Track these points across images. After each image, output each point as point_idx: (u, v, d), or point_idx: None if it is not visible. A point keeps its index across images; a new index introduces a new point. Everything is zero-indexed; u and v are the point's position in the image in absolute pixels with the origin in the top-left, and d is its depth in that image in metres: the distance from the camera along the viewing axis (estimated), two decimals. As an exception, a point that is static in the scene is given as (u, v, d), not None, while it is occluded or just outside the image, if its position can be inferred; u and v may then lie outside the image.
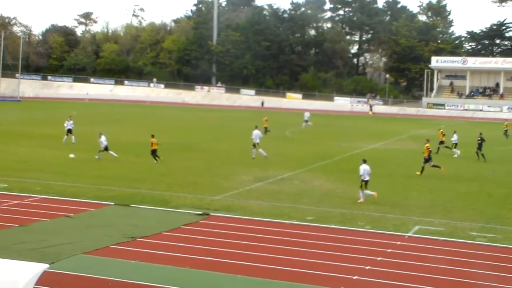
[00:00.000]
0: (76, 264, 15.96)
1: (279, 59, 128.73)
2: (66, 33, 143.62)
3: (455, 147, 44.13)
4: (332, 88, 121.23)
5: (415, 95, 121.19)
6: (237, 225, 21.29)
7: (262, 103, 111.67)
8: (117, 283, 14.83)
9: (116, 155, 35.98)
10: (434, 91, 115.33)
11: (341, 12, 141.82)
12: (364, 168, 25.80)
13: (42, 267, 10.02)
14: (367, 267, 16.85)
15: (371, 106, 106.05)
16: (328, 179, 32.11)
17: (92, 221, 20.96)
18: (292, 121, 74.35)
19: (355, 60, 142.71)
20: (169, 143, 43.22)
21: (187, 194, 26.46)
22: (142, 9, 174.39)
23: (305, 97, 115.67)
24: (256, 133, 39.17)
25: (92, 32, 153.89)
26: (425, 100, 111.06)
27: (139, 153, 37.43)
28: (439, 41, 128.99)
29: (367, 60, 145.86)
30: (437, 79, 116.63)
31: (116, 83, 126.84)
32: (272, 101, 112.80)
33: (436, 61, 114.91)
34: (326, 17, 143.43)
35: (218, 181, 30.29)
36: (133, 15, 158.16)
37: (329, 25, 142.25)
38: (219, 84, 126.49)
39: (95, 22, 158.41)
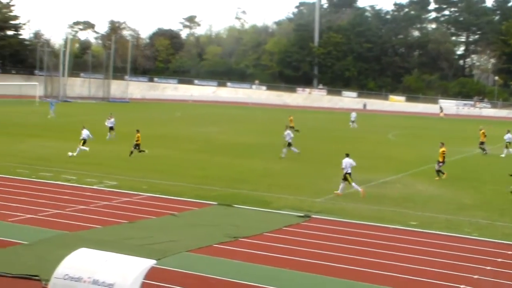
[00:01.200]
0: (180, 262, 16.39)
1: (381, 61, 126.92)
2: (171, 36, 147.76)
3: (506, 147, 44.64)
4: (437, 90, 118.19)
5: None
6: (338, 228, 21.18)
7: (364, 105, 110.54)
8: (220, 281, 15.11)
9: (86, 148, 36.54)
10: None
11: (446, 12, 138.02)
12: (346, 161, 26.89)
13: (150, 262, 10.35)
14: (475, 276, 16.28)
15: (441, 108, 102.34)
16: (432, 183, 31.37)
17: (196, 220, 21.46)
18: (395, 123, 73.17)
19: (461, 62, 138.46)
20: (270, 144, 43.61)
21: (288, 195, 26.57)
22: (244, 12, 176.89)
23: (408, 99, 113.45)
24: (287, 133, 39.57)
25: (196, 35, 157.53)
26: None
27: (240, 154, 37.93)
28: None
29: (474, 61, 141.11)
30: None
31: (219, 85, 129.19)
32: (374, 104, 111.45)
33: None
34: (431, 17, 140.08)
35: (319, 183, 30.23)
36: (236, 17, 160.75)
37: (433, 26, 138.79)
38: (320, 86, 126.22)
39: (199, 25, 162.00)
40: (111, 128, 45.81)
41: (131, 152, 36.01)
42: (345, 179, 26.98)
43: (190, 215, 22.15)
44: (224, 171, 32.56)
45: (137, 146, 36.45)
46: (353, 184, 26.85)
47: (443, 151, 33.10)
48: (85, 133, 36.86)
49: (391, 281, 15.57)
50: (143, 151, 36.46)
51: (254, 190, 27.41)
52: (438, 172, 32.72)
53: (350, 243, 19.14)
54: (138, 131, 36.97)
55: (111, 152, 38.05)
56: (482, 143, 45.13)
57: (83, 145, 36.33)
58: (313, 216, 22.72)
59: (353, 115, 67.72)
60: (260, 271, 16.00)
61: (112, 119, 45.99)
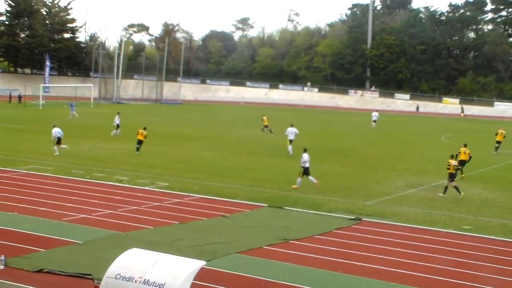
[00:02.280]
0: (231, 263, 16.48)
1: (435, 63, 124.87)
2: (224, 38, 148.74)
3: None
4: (492, 93, 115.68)
5: None
6: (390, 231, 20.97)
7: (417, 108, 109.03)
8: (270, 283, 15.13)
9: (66, 146, 36.70)
10: None
11: (503, 13, 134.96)
12: (304, 156, 28.48)
13: (200, 263, 10.44)
14: (529, 283, 15.94)
15: (462, 108, 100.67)
16: (486, 187, 30.75)
17: (246, 221, 21.54)
18: (448, 126, 71.98)
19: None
20: (322, 146, 43.43)
21: (339, 198, 26.44)
22: (297, 14, 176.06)
23: (462, 102, 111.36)
24: (290, 130, 39.74)
25: (248, 37, 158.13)
26: None
27: (291, 156, 37.85)
28: None
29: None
30: None
31: (271, 87, 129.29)
32: (427, 106, 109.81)
33: None
34: (487, 18, 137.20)
35: (371, 186, 29.98)
36: (288, 19, 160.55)
37: (490, 27, 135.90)
38: (372, 88, 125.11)
39: (252, 27, 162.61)
40: (117, 126, 46.79)
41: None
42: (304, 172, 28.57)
43: (241, 217, 22.25)
44: (276, 173, 32.58)
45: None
46: (310, 178, 28.33)
47: (464, 151, 33.33)
48: (55, 131, 36.84)
49: (440, 286, 15.33)
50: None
51: (305, 192, 27.34)
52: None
53: (401, 247, 18.92)
54: (144, 128, 37.78)
55: (164, 154, 38.50)
56: (498, 142, 45.43)
57: (57, 144, 36.48)
58: (364, 219, 22.55)
59: (375, 114, 68.80)
60: (310, 274, 15.96)
61: (118, 117, 47.22)
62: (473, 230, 21.50)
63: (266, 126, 52.22)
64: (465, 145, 34.01)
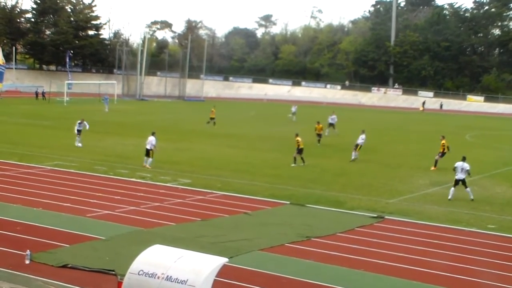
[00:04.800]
0: (252, 260, 16.50)
1: (459, 60, 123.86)
2: (247, 35, 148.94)
3: None
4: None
5: None
6: (412, 229, 20.86)
7: (441, 106, 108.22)
8: (291, 281, 15.14)
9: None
10: None
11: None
12: (150, 138, 30.94)
13: (222, 260, 10.47)
14: (553, 283, 15.77)
15: (423, 103, 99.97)
16: (511, 186, 30.45)
17: (268, 219, 21.55)
18: (472, 124, 71.37)
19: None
20: (344, 143, 43.32)
21: (361, 196, 26.35)
22: (320, 11, 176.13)
23: (487, 99, 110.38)
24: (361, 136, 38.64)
25: (271, 34, 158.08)
26: None
27: (314, 154, 37.79)
28: None
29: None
30: None
31: (293, 84, 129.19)
32: (451, 104, 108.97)
33: None
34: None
35: (394, 184, 29.84)
36: (311, 16, 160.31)
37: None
38: (396, 86, 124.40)
39: (275, 24, 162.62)
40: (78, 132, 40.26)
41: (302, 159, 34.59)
42: (147, 154, 30.92)
43: (263, 214, 22.26)
44: (298, 170, 32.54)
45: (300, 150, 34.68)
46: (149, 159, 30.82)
47: (443, 144, 35.14)
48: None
49: (464, 285, 15.23)
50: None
51: (328, 190, 27.31)
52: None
53: (424, 245, 18.82)
54: (297, 135, 35.09)
55: (186, 151, 38.67)
56: None
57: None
58: (387, 217, 22.46)
59: (294, 108, 68.44)
60: (332, 271, 15.94)
61: (84, 123, 40.52)
62: (497, 229, 21.32)
63: (212, 119, 54.16)
64: (443, 137, 36.17)
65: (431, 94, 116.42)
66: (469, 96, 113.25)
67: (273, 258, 16.89)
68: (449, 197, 26.01)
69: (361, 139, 38.00)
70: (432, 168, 34.82)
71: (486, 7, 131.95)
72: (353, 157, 37.16)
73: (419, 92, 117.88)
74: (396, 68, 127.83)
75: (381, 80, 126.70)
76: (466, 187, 26.17)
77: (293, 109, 67.85)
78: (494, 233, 20.80)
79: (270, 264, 16.28)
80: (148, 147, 31.32)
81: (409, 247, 18.61)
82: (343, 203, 24.65)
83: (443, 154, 35.54)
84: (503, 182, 31.44)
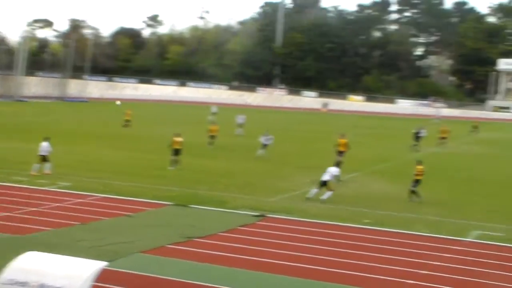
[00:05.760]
0: (133, 263, 16.24)
1: (342, 61, 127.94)
2: (133, 35, 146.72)
3: None
4: (395, 90, 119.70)
5: (480, 98, 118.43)
6: (293, 227, 21.27)
7: (325, 105, 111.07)
8: (173, 282, 15.01)
9: None
10: (501, 94, 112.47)
11: (407, 14, 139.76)
12: (43, 145, 29.51)
13: (100, 264, 10.24)
14: (424, 272, 16.60)
15: (324, 104, 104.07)
16: (387, 182, 31.76)
17: (151, 220, 21.32)
18: (354, 123, 73.78)
19: (419, 62, 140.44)
20: (227, 144, 43.61)
21: (244, 195, 26.59)
22: (208, 11, 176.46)
23: (367, 99, 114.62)
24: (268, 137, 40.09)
25: (158, 34, 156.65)
26: (490, 103, 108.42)
27: (198, 154, 37.80)
28: (507, 43, 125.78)
29: (432, 62, 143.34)
30: (504, 82, 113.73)
31: (180, 84, 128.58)
32: (334, 103, 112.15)
33: (504, 64, 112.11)
34: (392, 19, 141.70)
35: (276, 182, 30.34)
36: (199, 17, 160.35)
37: (394, 27, 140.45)
38: (281, 86, 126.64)
39: (162, 24, 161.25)
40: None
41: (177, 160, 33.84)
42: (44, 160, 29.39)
43: (145, 216, 21.99)
44: (182, 171, 32.37)
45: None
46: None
47: (343, 142, 36.02)
48: None
49: (342, 279, 15.70)
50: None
51: (211, 190, 27.37)
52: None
53: (304, 242, 19.23)
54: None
55: (67, 153, 37.57)
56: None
57: None
58: (269, 215, 22.78)
59: (241, 118, 61.33)
60: (213, 271, 15.95)
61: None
62: (373, 223, 22.15)
63: (127, 121, 54.62)
64: (343, 136, 37.28)
65: (314, 94, 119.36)
66: (351, 96, 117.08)
67: (154, 260, 16.70)
68: (308, 195, 26.15)
69: (266, 139, 38.95)
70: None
71: (369, 11, 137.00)
72: (258, 152, 38.45)
73: (303, 92, 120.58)
74: (282, 69, 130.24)
75: (267, 81, 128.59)
76: (326, 189, 26.24)
77: (240, 120, 58.73)
78: (370, 227, 21.62)
79: (150, 266, 16.09)
80: (43, 153, 29.76)
81: (290, 244, 18.94)
82: (226, 202, 24.77)
83: (341, 152, 35.65)
84: (380, 178, 32.72)
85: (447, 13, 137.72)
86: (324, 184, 25.94)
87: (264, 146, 39.73)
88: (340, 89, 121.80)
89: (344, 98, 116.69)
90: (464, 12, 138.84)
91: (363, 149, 47.29)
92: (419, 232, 21.13)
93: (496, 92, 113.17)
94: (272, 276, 15.81)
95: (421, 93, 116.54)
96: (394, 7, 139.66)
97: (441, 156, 44.66)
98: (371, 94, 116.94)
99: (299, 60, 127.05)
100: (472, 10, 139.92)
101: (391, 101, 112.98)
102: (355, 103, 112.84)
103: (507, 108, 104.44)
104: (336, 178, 26.56)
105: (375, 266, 16.94)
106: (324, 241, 19.40)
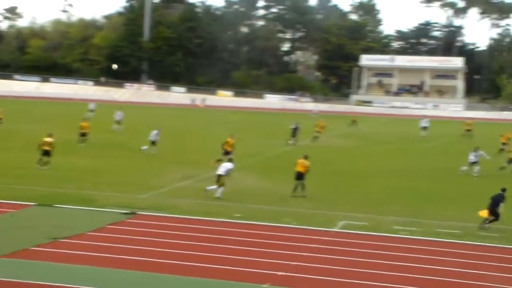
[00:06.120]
0: (-8, 268, 15.33)
1: (210, 57, 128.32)
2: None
3: None
4: (263, 85, 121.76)
5: (344, 93, 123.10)
6: (164, 223, 21.02)
7: (193, 101, 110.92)
8: (37, 286, 14.30)
9: None
10: (363, 88, 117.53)
11: (274, 10, 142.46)
12: None
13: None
14: (294, 263, 16.91)
15: (202, 100, 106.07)
16: (258, 176, 32.14)
17: (12, 222, 20.24)
18: (223, 118, 74.24)
19: (286, 58, 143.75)
20: (102, 141, 42.53)
21: (114, 193, 25.97)
22: (71, 5, 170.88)
23: (236, 94, 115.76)
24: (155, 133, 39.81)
25: (17, 27, 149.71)
26: (354, 97, 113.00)
27: (67, 152, 36.46)
28: (368, 40, 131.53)
29: (298, 57, 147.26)
30: (366, 77, 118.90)
31: (43, 80, 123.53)
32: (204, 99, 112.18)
33: (366, 59, 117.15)
34: (259, 15, 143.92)
35: (147, 179, 29.88)
36: (62, 10, 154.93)
37: (262, 22, 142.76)
38: (149, 82, 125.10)
39: (21, 17, 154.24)
40: None
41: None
42: None
43: (6, 218, 20.87)
44: (48, 170, 30.98)
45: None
46: None
47: (231, 142, 35.74)
48: None
49: (215, 273, 15.65)
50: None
51: (79, 188, 26.50)
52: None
53: (175, 238, 19.05)
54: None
55: None
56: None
57: None
58: (139, 212, 22.37)
59: (118, 115, 56.44)
60: (79, 272, 15.37)
61: None
62: (243, 217, 22.32)
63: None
64: (231, 136, 36.56)
65: (183, 89, 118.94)
66: (220, 91, 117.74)
67: (16, 264, 15.83)
68: (208, 187, 26.20)
69: (154, 135, 38.93)
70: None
71: (236, 6, 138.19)
72: (143, 148, 38.41)
73: (172, 87, 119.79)
74: (150, 64, 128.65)
75: (135, 76, 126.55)
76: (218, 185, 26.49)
77: (118, 116, 53.91)
78: (240, 221, 21.76)
79: (12, 271, 15.21)
80: None
81: (160, 240, 18.68)
82: (94, 201, 24.07)
83: (228, 152, 34.89)
84: (250, 172, 33.03)
85: (312, 10, 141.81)
86: (218, 178, 25.94)
87: (153, 142, 39.04)
88: (209, 84, 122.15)
89: (213, 93, 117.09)
90: (328, 9, 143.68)
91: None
92: (289, 225, 21.55)
93: (359, 86, 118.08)
94: (140, 274, 15.47)
95: (289, 88, 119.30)
96: (261, 3, 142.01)
97: (311, 150, 45.80)
98: (240, 89, 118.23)
99: (168, 55, 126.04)
100: (335, 7, 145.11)
101: (259, 96, 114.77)
102: (224, 98, 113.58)
103: (369, 102, 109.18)
104: (229, 172, 26.54)
105: (246, 260, 17.05)
106: (194, 237, 19.28)
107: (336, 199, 26.39)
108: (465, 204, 26.53)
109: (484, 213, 21.92)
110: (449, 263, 17.60)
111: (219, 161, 30.05)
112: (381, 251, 18.59)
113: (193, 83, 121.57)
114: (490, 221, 21.76)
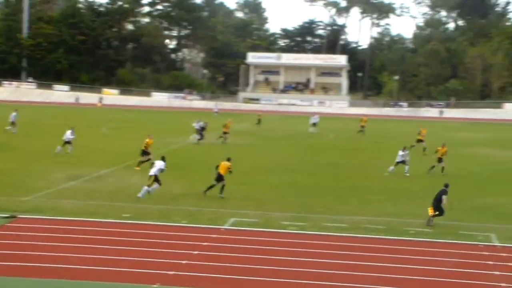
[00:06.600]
0: None
1: (95, 54, 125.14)
2: None
3: None
4: (150, 83, 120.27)
5: (231, 90, 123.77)
6: (47, 226, 20.26)
7: (77, 99, 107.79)
8: None
9: None
10: (250, 86, 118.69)
11: (159, 7, 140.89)
12: None
13: None
14: (184, 262, 16.77)
15: (100, 98, 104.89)
16: (145, 175, 31.44)
17: None
18: (109, 117, 72.72)
19: (173, 56, 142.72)
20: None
21: (-6, 196, 24.74)
22: None
23: (122, 92, 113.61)
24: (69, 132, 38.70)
25: None
26: (241, 95, 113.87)
27: None
28: (255, 38, 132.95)
29: (185, 55, 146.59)
30: (253, 75, 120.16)
31: None
32: (87, 97, 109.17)
33: (252, 57, 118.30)
34: (144, 11, 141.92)
35: (29, 180, 28.69)
36: None
37: (147, 20, 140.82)
38: (29, 80, 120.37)
39: None
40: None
41: None
42: None
43: None
44: None
45: None
46: None
47: (150, 143, 34.70)
48: None
49: (103, 275, 15.26)
50: None
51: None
52: (141, 162, 33.48)
53: (59, 241, 18.40)
54: None
55: None
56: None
57: None
58: (20, 216, 21.40)
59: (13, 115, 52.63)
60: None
61: None
62: (132, 217, 21.90)
63: None
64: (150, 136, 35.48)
65: (66, 88, 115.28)
66: (105, 89, 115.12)
67: None
68: (141, 194, 25.44)
69: (69, 135, 37.99)
70: (136, 168, 33.15)
71: (120, 3, 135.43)
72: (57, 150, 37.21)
73: (54, 86, 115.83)
74: (30, 61, 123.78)
75: (14, 74, 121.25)
76: (153, 183, 25.79)
77: (12, 117, 51.04)
78: (129, 221, 21.33)
79: None
80: None
81: (44, 244, 18.02)
82: (-29, 205, 22.80)
83: (146, 153, 34.11)
84: (138, 172, 32.42)
85: (198, 7, 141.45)
86: (155, 178, 25.40)
87: (67, 142, 37.47)
88: (94, 82, 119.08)
89: (98, 91, 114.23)
90: (214, 7, 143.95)
91: (118, 142, 46.79)
92: (178, 223, 21.34)
93: (246, 84, 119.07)
94: (21, 280, 14.82)
95: (176, 86, 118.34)
96: (146, 0, 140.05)
97: (203, 147, 45.68)
98: (126, 87, 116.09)
99: (49, 52, 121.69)
100: (221, 5, 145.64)
101: (146, 94, 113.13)
102: (110, 96, 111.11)
103: (257, 99, 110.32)
104: (162, 171, 25.89)
105: (136, 260, 16.76)
106: (80, 239, 18.71)
107: (226, 196, 26.38)
108: (352, 198, 27.24)
109: (430, 210, 22.59)
110: (336, 256, 18.03)
111: (142, 163, 29.52)
112: (271, 246, 18.76)
113: (77, 81, 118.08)
114: (434, 216, 22.41)
